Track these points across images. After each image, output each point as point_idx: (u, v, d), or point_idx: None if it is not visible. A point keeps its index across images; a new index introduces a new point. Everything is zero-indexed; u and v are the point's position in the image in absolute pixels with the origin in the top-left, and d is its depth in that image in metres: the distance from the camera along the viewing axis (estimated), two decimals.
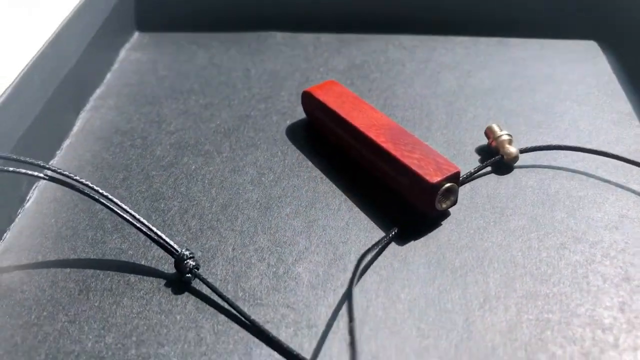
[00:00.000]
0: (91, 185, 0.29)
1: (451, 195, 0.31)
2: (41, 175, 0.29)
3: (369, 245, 0.30)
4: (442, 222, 0.32)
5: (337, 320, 0.28)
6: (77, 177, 0.29)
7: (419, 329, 0.27)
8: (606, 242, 0.30)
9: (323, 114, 0.36)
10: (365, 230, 0.31)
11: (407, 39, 0.45)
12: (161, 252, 0.30)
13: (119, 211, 0.29)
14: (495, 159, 0.35)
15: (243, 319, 0.27)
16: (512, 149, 0.34)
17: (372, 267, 0.30)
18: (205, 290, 0.29)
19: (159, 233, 0.29)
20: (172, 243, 0.29)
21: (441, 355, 0.26)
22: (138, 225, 0.29)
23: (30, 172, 0.29)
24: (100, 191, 0.29)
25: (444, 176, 0.30)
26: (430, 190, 0.30)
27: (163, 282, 0.29)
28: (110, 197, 0.29)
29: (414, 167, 0.31)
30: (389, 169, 0.32)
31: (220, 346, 0.27)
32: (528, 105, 0.39)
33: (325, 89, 0.36)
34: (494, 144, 0.35)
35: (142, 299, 0.29)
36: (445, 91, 0.40)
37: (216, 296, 0.28)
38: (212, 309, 0.28)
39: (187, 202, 0.33)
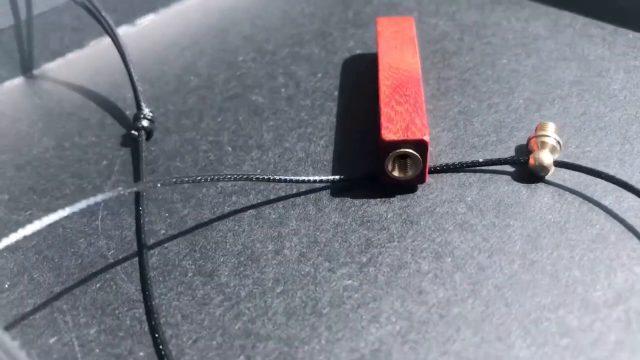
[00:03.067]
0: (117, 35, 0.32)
1: (411, 167, 0.26)
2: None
3: (319, 178, 0.26)
4: (395, 195, 0.26)
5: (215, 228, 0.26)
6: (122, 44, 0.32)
7: (260, 278, 0.24)
8: (574, 320, 0.22)
9: (376, 46, 0.32)
10: (318, 170, 0.28)
11: (574, 19, 0.36)
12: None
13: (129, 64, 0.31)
14: (516, 159, 0.27)
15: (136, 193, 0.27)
16: (544, 156, 0.26)
17: (279, 203, 0.26)
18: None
19: (137, 86, 0.31)
20: (140, 98, 0.30)
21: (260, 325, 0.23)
22: (131, 76, 0.31)
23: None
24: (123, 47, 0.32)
25: (402, 138, 0.25)
26: (381, 147, 0.25)
27: (123, 132, 0.31)
28: (125, 54, 0.31)
29: (383, 118, 0.26)
30: (376, 115, 0.28)
31: (102, 213, 0.27)
32: None
33: (392, 23, 0.32)
34: (532, 142, 0.27)
35: (96, 138, 0.30)
36: (553, 80, 0.32)
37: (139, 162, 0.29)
38: (127, 174, 0.29)
39: (207, 82, 0.33)
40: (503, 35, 0.35)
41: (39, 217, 0.26)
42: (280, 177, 0.25)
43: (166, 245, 0.25)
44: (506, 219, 0.25)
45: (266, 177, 0.25)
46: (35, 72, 0.35)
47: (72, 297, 0.23)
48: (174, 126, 0.31)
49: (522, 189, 0.26)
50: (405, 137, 0.25)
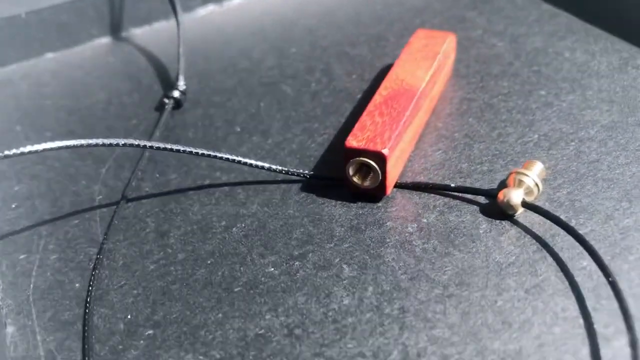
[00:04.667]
0: None
1: (369, 176, 0.26)
2: None
3: (280, 167, 0.28)
4: (357, 202, 0.27)
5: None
6: None
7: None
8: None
9: None
10: (302, 164, 0.29)
11: None
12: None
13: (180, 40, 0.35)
14: (486, 192, 0.26)
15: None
16: (514, 195, 0.25)
17: (252, 186, 0.28)
18: (166, 120, 0.32)
19: (181, 60, 0.34)
20: (180, 72, 0.34)
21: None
22: (179, 51, 0.34)
23: None
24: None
25: (363, 147, 0.25)
26: (344, 152, 0.26)
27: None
28: (180, 31, 0.35)
29: (357, 125, 0.27)
30: None
31: (110, 163, 0.31)
32: None
33: (428, 36, 0.32)
34: (511, 177, 0.26)
35: (139, 100, 0.34)
36: (585, 121, 0.30)
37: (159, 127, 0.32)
38: (146, 135, 0.32)
39: (252, 67, 0.36)
40: (558, 66, 0.33)
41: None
42: (245, 160, 0.27)
43: (143, 201, 0.28)
44: (449, 247, 0.25)
45: (230, 158, 0.27)
46: (123, 34, 0.40)
47: (53, 227, 0.27)
48: (204, 101, 0.34)
49: (483, 222, 0.25)
50: (366, 147, 0.25)
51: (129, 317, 0.23)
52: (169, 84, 0.35)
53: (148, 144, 0.26)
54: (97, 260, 0.25)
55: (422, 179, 0.28)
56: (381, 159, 0.25)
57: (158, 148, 0.26)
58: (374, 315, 0.23)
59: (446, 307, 0.23)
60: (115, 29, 0.40)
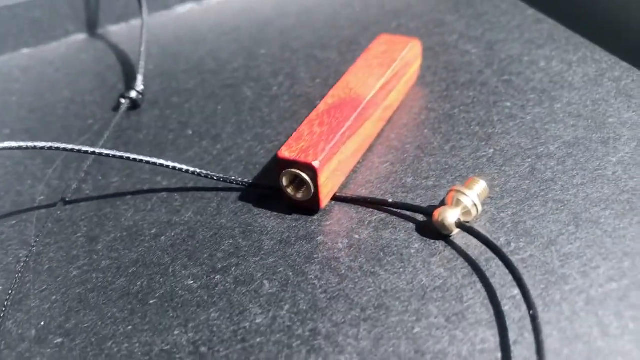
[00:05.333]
0: None
1: (302, 189, 0.25)
2: None
3: (223, 175, 0.27)
4: (293, 214, 0.26)
5: None
6: None
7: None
8: None
9: None
10: (246, 171, 0.28)
11: (627, 72, 0.31)
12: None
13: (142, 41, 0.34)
14: (422, 209, 0.24)
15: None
16: (449, 215, 0.23)
17: (190, 193, 0.27)
18: (120, 121, 0.32)
19: (142, 61, 0.33)
20: (140, 72, 0.33)
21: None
22: (141, 51, 0.34)
23: None
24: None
25: (294, 158, 0.24)
26: (277, 162, 0.25)
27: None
28: (144, 32, 0.34)
29: (294, 134, 0.26)
30: None
31: (58, 162, 0.30)
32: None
33: (390, 42, 0.30)
34: (449, 195, 0.24)
35: (100, 99, 0.34)
36: (547, 137, 0.28)
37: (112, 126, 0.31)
38: (98, 135, 0.31)
39: (218, 68, 0.35)
40: (530, 76, 0.32)
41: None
42: (182, 167, 0.26)
43: (81, 204, 0.28)
44: (376, 267, 0.23)
45: (164, 165, 0.26)
46: (99, 31, 0.40)
47: None
48: (162, 102, 0.33)
49: (416, 242, 0.24)
50: (297, 159, 0.24)
51: (42, 323, 0.23)
52: (132, 83, 0.35)
53: (72, 146, 0.25)
54: (24, 264, 0.25)
55: (363, 192, 0.27)
56: (312, 171, 0.24)
57: (86, 152, 0.25)
58: (284, 337, 0.22)
59: (360, 331, 0.22)
60: (91, 26, 0.39)
